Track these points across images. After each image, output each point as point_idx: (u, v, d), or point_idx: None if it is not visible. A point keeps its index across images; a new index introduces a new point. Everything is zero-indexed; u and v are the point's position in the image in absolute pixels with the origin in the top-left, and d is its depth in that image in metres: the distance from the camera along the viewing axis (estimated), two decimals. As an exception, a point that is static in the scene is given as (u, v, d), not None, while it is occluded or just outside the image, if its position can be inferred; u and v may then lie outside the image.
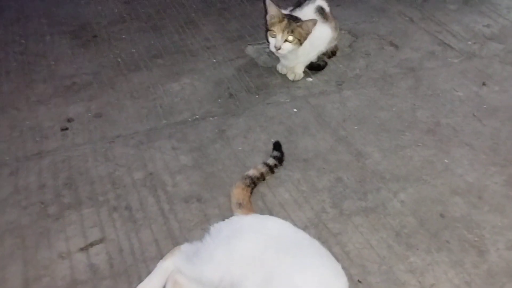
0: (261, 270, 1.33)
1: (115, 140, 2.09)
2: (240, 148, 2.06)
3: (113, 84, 2.43)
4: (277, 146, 2.00)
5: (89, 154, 2.02)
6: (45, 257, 1.61)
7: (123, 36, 2.80)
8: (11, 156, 2.00)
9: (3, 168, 1.94)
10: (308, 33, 2.25)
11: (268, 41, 2.29)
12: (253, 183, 1.80)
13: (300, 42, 2.26)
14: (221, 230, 1.49)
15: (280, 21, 2.23)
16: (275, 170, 1.92)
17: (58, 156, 2.01)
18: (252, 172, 1.83)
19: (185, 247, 1.52)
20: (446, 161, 1.96)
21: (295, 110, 2.26)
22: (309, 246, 1.44)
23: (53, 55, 2.64)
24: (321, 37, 2.40)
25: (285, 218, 1.70)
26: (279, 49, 2.24)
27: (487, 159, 1.96)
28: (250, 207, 1.69)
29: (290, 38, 2.22)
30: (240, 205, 1.68)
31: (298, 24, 2.22)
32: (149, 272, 1.53)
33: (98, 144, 2.07)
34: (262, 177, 1.86)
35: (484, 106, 2.23)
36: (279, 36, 2.21)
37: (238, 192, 1.73)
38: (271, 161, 1.91)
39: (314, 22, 2.23)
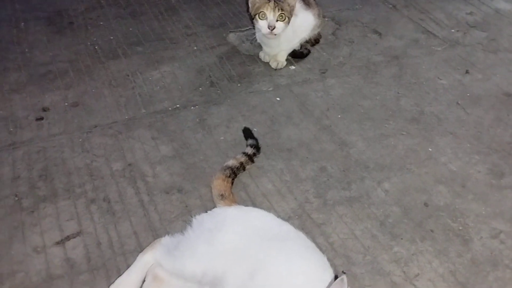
0: (245, 263, 1.29)
1: (93, 130, 2.03)
2: (222, 138, 2.01)
3: (90, 72, 2.36)
4: (247, 132, 1.96)
5: (66, 144, 1.96)
6: (19, 251, 1.55)
7: (101, 23, 2.72)
8: (-17, 148, 1.93)
9: (-25, 160, 1.87)
10: (292, 9, 2.21)
11: (254, 27, 2.24)
12: (234, 173, 1.76)
13: (289, 20, 2.21)
14: (203, 222, 1.45)
15: (267, 1, 2.17)
16: (255, 158, 1.88)
17: (33, 146, 1.94)
18: (232, 162, 1.79)
19: (165, 240, 1.48)
20: (430, 149, 1.94)
21: (278, 98, 2.22)
22: (294, 238, 1.40)
23: (27, 42, 2.55)
24: (304, 24, 2.36)
25: (268, 209, 1.68)
26: (274, 28, 2.18)
27: (470, 147, 1.94)
28: (232, 198, 1.65)
29: (281, 16, 2.17)
30: (222, 196, 1.64)
31: (281, 0, 2.17)
32: (128, 266, 1.49)
33: (75, 134, 2.01)
34: (242, 167, 1.82)
35: (468, 94, 2.22)
36: (271, 16, 2.16)
37: (219, 184, 1.69)
38: (249, 150, 1.87)
39: None
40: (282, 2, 2.17)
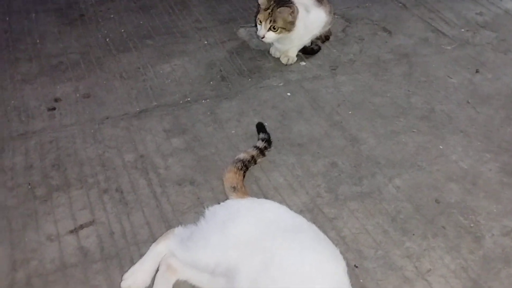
0: (259, 255, 1.30)
1: (104, 122, 2.03)
2: (233, 132, 2.02)
3: (101, 65, 2.36)
4: (260, 127, 1.96)
5: (78, 135, 1.96)
6: (33, 239, 1.56)
7: (111, 16, 2.72)
8: (-5, 136, 1.93)
9: (-13, 149, 1.87)
10: (290, 23, 2.20)
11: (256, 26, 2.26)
12: (245, 166, 1.76)
13: (287, 29, 2.21)
14: (216, 213, 1.46)
15: (265, 9, 2.19)
16: (266, 152, 1.88)
17: (45, 136, 1.94)
18: (243, 156, 1.80)
19: (179, 230, 1.49)
20: (440, 147, 1.95)
21: (288, 94, 2.22)
22: (307, 230, 1.41)
23: (38, 33, 2.55)
24: (316, 21, 2.36)
25: (280, 202, 1.66)
26: (263, 37, 2.21)
27: (481, 146, 1.95)
28: (244, 190, 1.66)
29: (273, 27, 2.18)
30: (234, 188, 1.64)
31: (278, 11, 2.17)
32: (141, 256, 1.50)
33: (87, 125, 2.01)
34: (253, 160, 1.82)
35: (478, 94, 2.22)
36: (263, 25, 2.18)
37: (230, 176, 1.70)
38: (261, 144, 1.88)
39: (289, 11, 2.18)
40: (278, 14, 2.17)
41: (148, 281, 1.43)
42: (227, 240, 1.35)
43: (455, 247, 1.57)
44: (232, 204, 1.52)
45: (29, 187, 1.73)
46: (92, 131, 1.98)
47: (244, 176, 1.74)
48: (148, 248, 1.50)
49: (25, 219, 1.62)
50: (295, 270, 1.27)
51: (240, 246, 1.33)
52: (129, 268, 1.46)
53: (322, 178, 1.83)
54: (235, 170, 1.72)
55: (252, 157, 1.82)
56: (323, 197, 1.75)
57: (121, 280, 1.43)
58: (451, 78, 2.32)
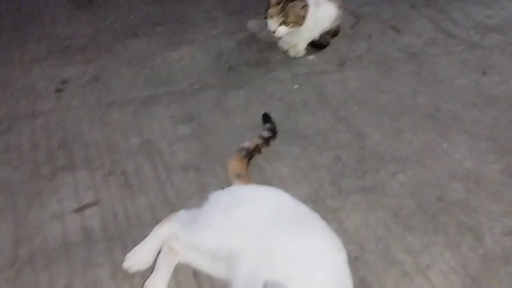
0: (261, 241, 1.31)
1: (111, 105, 2.05)
2: (239, 121, 2.03)
3: (110, 49, 2.37)
4: (266, 117, 1.97)
5: (84, 117, 1.97)
6: (37, 217, 1.57)
7: (122, 2, 2.73)
8: (3, 114, 1.94)
9: (-5, 126, 1.88)
10: (302, 17, 2.21)
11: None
12: (249, 154, 1.77)
13: (299, 23, 2.22)
14: (220, 198, 1.47)
15: (276, 4, 2.19)
16: (271, 142, 1.89)
17: (52, 117, 1.95)
18: (248, 144, 1.80)
19: (182, 213, 1.50)
20: (445, 146, 1.96)
21: (295, 87, 2.23)
22: (309, 219, 1.42)
23: (48, 16, 2.57)
24: (326, 15, 2.37)
25: (283, 192, 1.69)
26: (274, 32, 2.22)
27: (485, 146, 1.96)
28: (248, 178, 1.67)
29: (285, 22, 2.19)
30: (238, 176, 1.65)
31: (290, 5, 2.17)
32: (144, 238, 1.50)
33: (94, 108, 2.02)
34: (257, 149, 1.83)
35: (484, 95, 2.23)
36: (274, 19, 2.19)
37: (235, 164, 1.71)
38: (266, 133, 1.89)
39: (301, 5, 2.18)
40: (290, 9, 2.17)
41: (150, 261, 1.44)
42: (230, 225, 1.36)
43: (456, 244, 1.58)
44: (236, 190, 1.53)
45: (35, 166, 1.74)
46: (99, 114, 1.99)
47: (248, 164, 1.75)
48: (151, 231, 1.51)
49: (30, 197, 1.63)
50: (296, 258, 1.28)
51: (243, 232, 1.34)
52: (132, 249, 1.47)
53: (326, 171, 1.83)
54: (240, 158, 1.73)
55: (257, 146, 1.83)
56: (326, 189, 1.76)
57: (124, 260, 1.44)
58: (458, 79, 2.32)
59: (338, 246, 1.36)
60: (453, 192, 1.77)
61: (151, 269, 1.42)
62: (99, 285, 1.40)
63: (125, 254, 1.45)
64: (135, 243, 1.51)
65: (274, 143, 1.91)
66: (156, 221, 1.58)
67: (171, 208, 1.64)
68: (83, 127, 1.92)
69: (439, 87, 2.28)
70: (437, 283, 1.46)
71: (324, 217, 1.62)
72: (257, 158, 1.83)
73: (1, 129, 1.87)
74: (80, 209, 1.61)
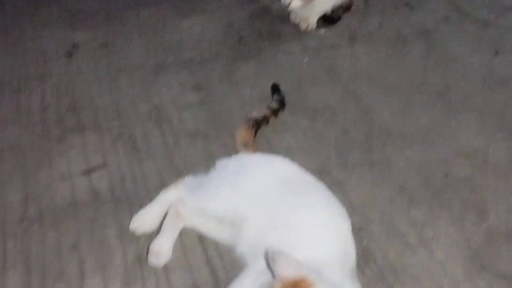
0: (267, 209, 1.32)
1: (121, 71, 2.05)
2: (248, 92, 2.02)
3: (121, 16, 2.36)
4: (275, 88, 1.96)
5: (94, 81, 1.98)
6: (45, 176, 1.59)
7: (133, -32, 2.71)
8: (13, 75, 1.95)
9: (5, 86, 1.89)
10: None
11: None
12: (257, 125, 1.77)
13: None
14: (227, 165, 1.48)
15: None
16: (279, 114, 1.88)
17: (62, 80, 1.96)
18: (255, 114, 1.80)
19: (189, 179, 1.51)
20: (453, 124, 1.95)
21: (305, 60, 2.22)
22: (315, 188, 1.43)
23: (59, -20, 2.55)
24: (340, -12, 2.35)
25: (290, 163, 1.70)
26: (288, 5, 2.20)
27: (494, 125, 1.95)
28: (255, 147, 1.68)
29: None
30: (245, 145, 1.66)
31: None
32: (150, 201, 1.52)
33: (103, 72, 2.03)
34: (265, 120, 1.83)
35: (496, 75, 2.21)
36: None
37: (242, 133, 1.71)
38: (274, 104, 1.88)
39: None
40: None
41: (156, 224, 1.46)
42: (237, 192, 1.37)
43: (460, 219, 1.59)
44: (243, 158, 1.53)
45: (44, 127, 1.75)
46: (108, 79, 2.00)
47: (255, 134, 1.75)
48: (158, 195, 1.52)
49: (39, 157, 1.65)
50: (301, 227, 1.29)
51: (249, 199, 1.35)
52: (138, 211, 1.49)
53: (334, 143, 1.84)
54: (247, 127, 1.73)
55: (265, 116, 1.83)
56: (332, 161, 1.77)
57: (131, 222, 1.46)
58: (469, 58, 2.30)
59: (342, 215, 1.37)
60: (460, 169, 1.77)
61: (157, 232, 1.45)
62: (106, 245, 1.42)
63: (132, 217, 1.47)
64: (141, 206, 1.52)
65: (282, 115, 1.91)
66: (163, 186, 1.59)
67: (178, 174, 1.65)
68: (92, 91, 1.93)
69: (450, 66, 2.26)
70: (439, 255, 1.48)
71: (330, 189, 1.63)
72: (265, 129, 1.84)
73: (11, 89, 1.88)
74: (88, 171, 1.62)
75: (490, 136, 1.91)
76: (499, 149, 1.85)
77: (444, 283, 1.41)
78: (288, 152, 1.77)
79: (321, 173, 1.71)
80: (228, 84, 2.05)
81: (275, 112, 1.87)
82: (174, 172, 1.66)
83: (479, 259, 1.48)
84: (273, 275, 1.09)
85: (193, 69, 2.10)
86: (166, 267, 1.38)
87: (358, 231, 1.53)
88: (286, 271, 1.06)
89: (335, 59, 2.24)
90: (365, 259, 1.45)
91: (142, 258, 1.40)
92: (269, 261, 1.08)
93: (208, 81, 2.04)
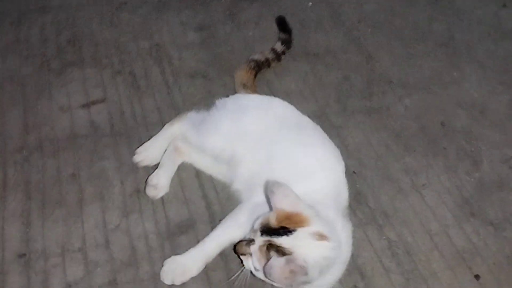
0: (263, 147, 1.34)
1: (122, 6, 2.02)
2: (250, 34, 2.00)
3: (122, -50, 2.30)
4: (281, 22, 1.90)
5: (95, 16, 1.95)
6: (45, 107, 1.60)
7: None
8: (13, 7, 1.92)
9: (5, 17, 1.87)
10: None
11: None
12: (258, 66, 1.76)
13: None
14: (227, 104, 1.48)
15: None
16: (282, 58, 1.86)
17: (62, 13, 1.93)
18: (258, 56, 1.78)
19: (192, 114, 1.51)
20: (454, 74, 1.94)
21: (310, 4, 2.18)
22: (312, 129, 1.44)
23: None
24: None
25: (289, 106, 1.70)
26: None
27: (495, 78, 1.94)
28: (254, 89, 1.68)
29: None
30: (244, 85, 1.66)
31: None
32: (149, 136, 1.54)
33: (104, 7, 2.00)
34: (267, 63, 1.81)
35: (501, 28, 2.18)
36: None
37: (242, 74, 1.70)
38: (279, 47, 1.85)
39: None
40: None
41: (159, 158, 1.47)
42: (236, 129, 1.39)
43: (453, 168, 1.62)
44: (242, 98, 1.54)
45: (44, 58, 1.75)
46: (110, 14, 1.97)
47: (255, 76, 1.74)
48: (157, 131, 1.54)
49: (38, 88, 1.65)
50: (296, 164, 1.31)
51: (248, 137, 1.36)
52: (137, 146, 1.51)
53: (333, 89, 1.84)
54: (247, 68, 1.72)
55: (267, 59, 1.81)
56: (331, 106, 1.77)
57: (134, 154, 1.47)
58: (476, 9, 2.26)
59: (337, 157, 1.39)
60: (457, 119, 1.78)
61: (155, 167, 1.47)
62: (104, 176, 1.45)
63: (131, 151, 1.49)
64: (140, 141, 1.54)
65: (284, 59, 1.90)
66: (162, 122, 1.61)
67: (177, 111, 1.66)
68: (93, 26, 1.91)
69: (456, 16, 2.22)
70: (430, 201, 1.51)
71: (327, 132, 1.63)
72: (265, 72, 1.83)
73: (11, 21, 1.86)
74: (87, 105, 1.63)
75: (490, 88, 1.91)
76: (498, 102, 1.86)
77: (432, 227, 1.45)
78: (288, 96, 1.78)
79: (320, 117, 1.72)
80: (230, 25, 2.02)
81: (278, 57, 1.85)
82: (173, 110, 1.67)
83: (469, 206, 1.51)
84: (270, 208, 1.12)
85: (195, 9, 2.06)
86: (163, 200, 1.42)
87: (352, 175, 1.56)
88: (283, 203, 1.08)
89: (339, 4, 2.20)
90: (357, 201, 1.49)
91: (140, 190, 1.43)
92: (268, 191, 1.10)
93: (210, 21, 2.02)
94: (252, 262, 1.10)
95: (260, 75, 1.79)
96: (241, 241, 1.13)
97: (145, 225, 1.35)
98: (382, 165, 1.61)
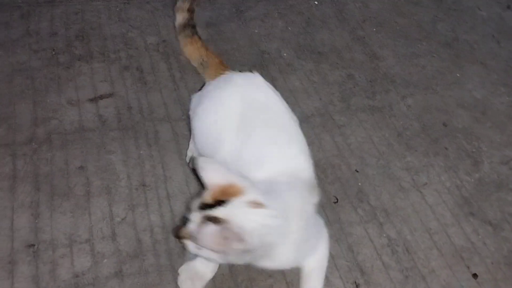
0: (240, 131, 1.23)
1: (130, 2, 2.04)
2: (256, 31, 2.02)
3: None
4: None
5: (103, 11, 1.97)
6: (54, 101, 1.62)
7: None
8: (23, 0, 1.94)
9: (15, 10, 1.89)
10: None
11: None
12: (191, 26, 1.47)
13: None
14: (204, 95, 1.36)
15: None
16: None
17: (71, 7, 1.95)
18: (179, 17, 1.49)
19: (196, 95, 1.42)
20: (457, 75, 1.97)
21: (316, 2, 2.20)
22: (287, 125, 1.29)
23: None
24: None
25: (293, 104, 1.68)
26: None
27: (498, 79, 1.97)
28: (215, 61, 1.43)
29: None
30: (203, 64, 1.44)
31: None
32: (155, 132, 1.57)
33: (113, 2, 2.02)
34: (189, 12, 1.50)
35: (505, 29, 2.20)
36: None
37: (189, 50, 1.46)
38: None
39: None
40: None
41: None
42: (218, 115, 1.28)
43: (454, 167, 1.64)
44: (212, 87, 1.36)
45: (53, 52, 1.77)
46: (118, 9, 1.99)
47: (203, 43, 1.46)
48: (163, 126, 1.56)
49: (47, 81, 1.67)
50: (258, 145, 1.22)
51: (227, 125, 1.26)
52: (144, 140, 1.54)
53: (337, 87, 1.86)
54: (189, 40, 1.45)
55: (188, 10, 1.48)
56: (335, 105, 1.80)
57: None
58: (481, 10, 2.29)
59: (296, 132, 1.28)
60: (459, 119, 1.80)
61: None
62: (112, 169, 1.48)
63: (137, 145, 1.53)
64: (147, 135, 1.57)
65: (288, 56, 1.92)
66: (168, 117, 1.64)
67: (184, 107, 1.68)
68: (101, 21, 1.93)
69: (460, 17, 2.24)
70: (430, 200, 1.54)
71: (330, 131, 1.69)
72: (270, 69, 1.86)
73: (21, 13, 1.88)
74: (95, 99, 1.66)
75: (492, 89, 1.93)
76: (500, 103, 1.88)
77: (431, 225, 1.48)
78: (292, 94, 1.80)
79: (323, 116, 1.75)
80: (237, 22, 2.04)
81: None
82: (179, 106, 1.69)
83: (469, 206, 1.54)
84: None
85: (202, 5, 2.08)
86: (168, 194, 1.44)
87: (354, 173, 1.59)
88: (214, 177, 1.04)
89: (345, 3, 2.22)
90: (359, 199, 1.51)
91: (145, 184, 1.46)
92: (198, 169, 1.05)
93: (216, 18, 2.04)
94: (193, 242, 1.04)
95: (265, 72, 1.81)
96: (177, 225, 1.09)
97: (151, 218, 1.38)
98: (384, 163, 1.63)
